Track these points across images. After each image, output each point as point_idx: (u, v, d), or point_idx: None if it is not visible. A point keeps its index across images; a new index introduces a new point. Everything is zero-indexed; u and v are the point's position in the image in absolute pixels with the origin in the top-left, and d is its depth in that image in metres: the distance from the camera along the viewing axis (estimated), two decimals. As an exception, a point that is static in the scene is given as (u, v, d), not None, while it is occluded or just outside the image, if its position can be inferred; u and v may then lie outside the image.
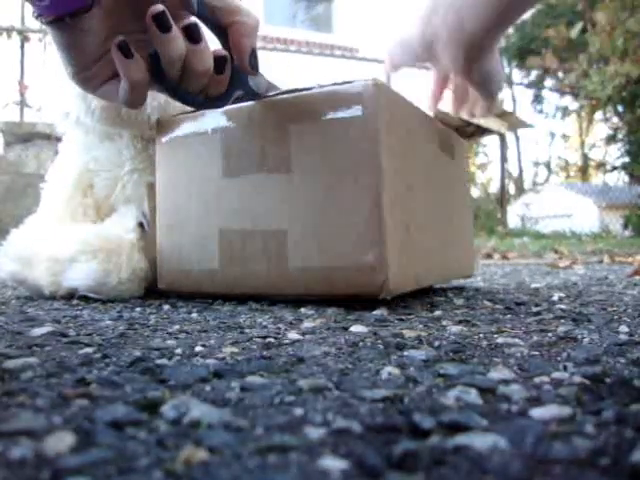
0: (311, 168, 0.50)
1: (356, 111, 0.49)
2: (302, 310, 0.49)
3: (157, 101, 0.60)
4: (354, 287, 0.49)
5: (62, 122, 0.65)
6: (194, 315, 0.47)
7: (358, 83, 0.49)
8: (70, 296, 0.58)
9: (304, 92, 0.51)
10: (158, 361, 0.29)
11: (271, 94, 0.52)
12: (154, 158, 0.62)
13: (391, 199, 0.49)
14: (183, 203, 0.57)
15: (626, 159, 6.85)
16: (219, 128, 0.55)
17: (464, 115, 0.61)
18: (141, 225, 0.61)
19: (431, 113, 0.62)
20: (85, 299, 0.57)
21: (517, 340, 0.36)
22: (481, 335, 0.38)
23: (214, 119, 0.56)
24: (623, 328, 0.40)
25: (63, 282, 0.56)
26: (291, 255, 0.51)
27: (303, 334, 0.38)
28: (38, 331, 0.38)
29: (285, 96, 0.52)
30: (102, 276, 0.55)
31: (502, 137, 6.52)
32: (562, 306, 0.54)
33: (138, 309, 0.51)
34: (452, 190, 0.68)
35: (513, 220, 6.64)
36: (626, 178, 7.22)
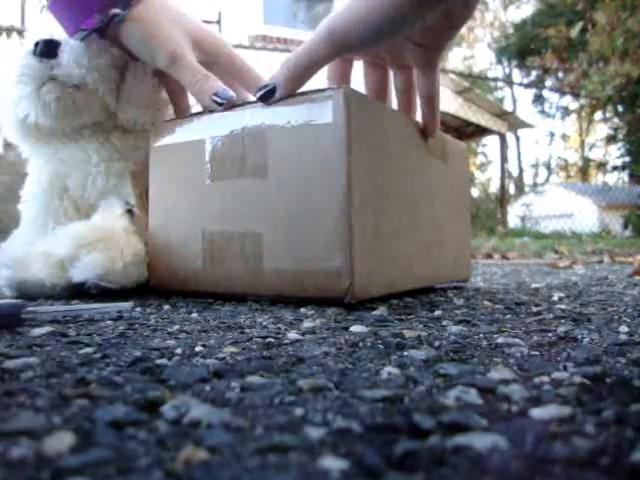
0: (285, 174, 0.52)
1: (326, 118, 0.50)
2: (302, 310, 0.49)
3: (109, 85, 0.63)
4: (322, 290, 0.50)
5: (22, 138, 0.66)
6: (194, 315, 0.47)
7: (329, 91, 0.50)
8: (72, 291, 0.58)
9: (280, 100, 0.52)
10: (158, 361, 0.29)
11: (250, 101, 0.55)
12: (119, 146, 0.66)
13: (360, 205, 0.50)
14: (172, 205, 0.60)
15: (626, 159, 6.85)
16: (207, 134, 0.57)
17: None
18: (129, 211, 0.63)
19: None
20: (86, 297, 0.57)
21: (517, 340, 0.36)
22: (481, 335, 0.38)
23: (202, 125, 0.58)
24: (623, 328, 0.40)
25: (72, 279, 0.57)
26: (266, 257, 0.53)
27: (303, 334, 0.38)
28: (38, 331, 0.38)
29: (263, 103, 0.53)
30: (108, 264, 0.56)
31: (502, 137, 6.52)
32: (562, 306, 0.54)
33: (138, 309, 0.51)
34: (444, 196, 0.68)
35: (513, 220, 6.63)
36: (626, 178, 7.22)
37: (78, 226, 0.60)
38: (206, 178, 0.57)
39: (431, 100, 0.59)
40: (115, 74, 0.64)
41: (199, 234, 0.57)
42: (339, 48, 0.50)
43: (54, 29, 0.62)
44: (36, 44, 0.61)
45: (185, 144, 0.59)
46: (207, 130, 0.57)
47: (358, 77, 0.62)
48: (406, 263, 0.59)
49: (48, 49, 0.60)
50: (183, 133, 0.60)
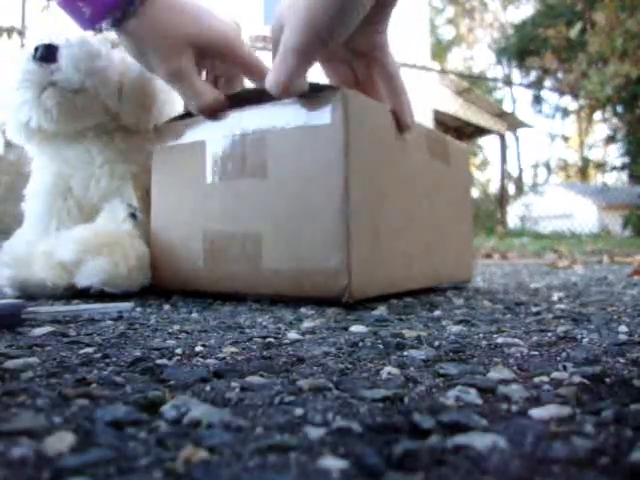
0: (284, 174, 0.52)
1: (325, 119, 0.50)
2: (302, 310, 0.50)
3: (109, 88, 0.63)
4: (320, 290, 0.50)
5: (26, 140, 0.67)
6: (194, 315, 0.47)
7: (328, 92, 0.50)
8: (74, 292, 0.58)
9: (279, 100, 0.52)
10: (158, 361, 0.29)
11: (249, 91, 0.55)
12: (123, 148, 0.66)
13: (358, 206, 0.50)
14: (174, 205, 0.60)
15: (626, 159, 6.86)
16: (208, 135, 0.57)
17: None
18: (132, 215, 0.63)
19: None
20: (86, 297, 0.57)
21: (517, 340, 0.36)
22: (481, 335, 0.38)
23: (204, 127, 0.58)
24: (622, 328, 0.40)
25: (77, 284, 0.57)
26: (265, 257, 0.53)
27: (303, 334, 0.38)
28: (38, 331, 0.38)
29: (262, 104, 0.53)
30: (112, 268, 0.57)
31: (502, 137, 6.52)
32: (562, 306, 0.54)
33: (138, 309, 0.51)
34: (445, 196, 0.68)
35: (513, 220, 6.64)
36: (625, 178, 7.23)
37: (82, 230, 0.60)
38: (207, 179, 0.57)
39: (393, 81, 0.55)
40: (116, 76, 0.63)
41: (200, 234, 0.57)
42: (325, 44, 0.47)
43: (54, 33, 0.61)
44: (36, 49, 0.60)
45: (186, 145, 0.59)
46: (208, 131, 0.57)
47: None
48: (406, 263, 0.59)
49: (47, 53, 0.60)
50: (184, 134, 0.60)
